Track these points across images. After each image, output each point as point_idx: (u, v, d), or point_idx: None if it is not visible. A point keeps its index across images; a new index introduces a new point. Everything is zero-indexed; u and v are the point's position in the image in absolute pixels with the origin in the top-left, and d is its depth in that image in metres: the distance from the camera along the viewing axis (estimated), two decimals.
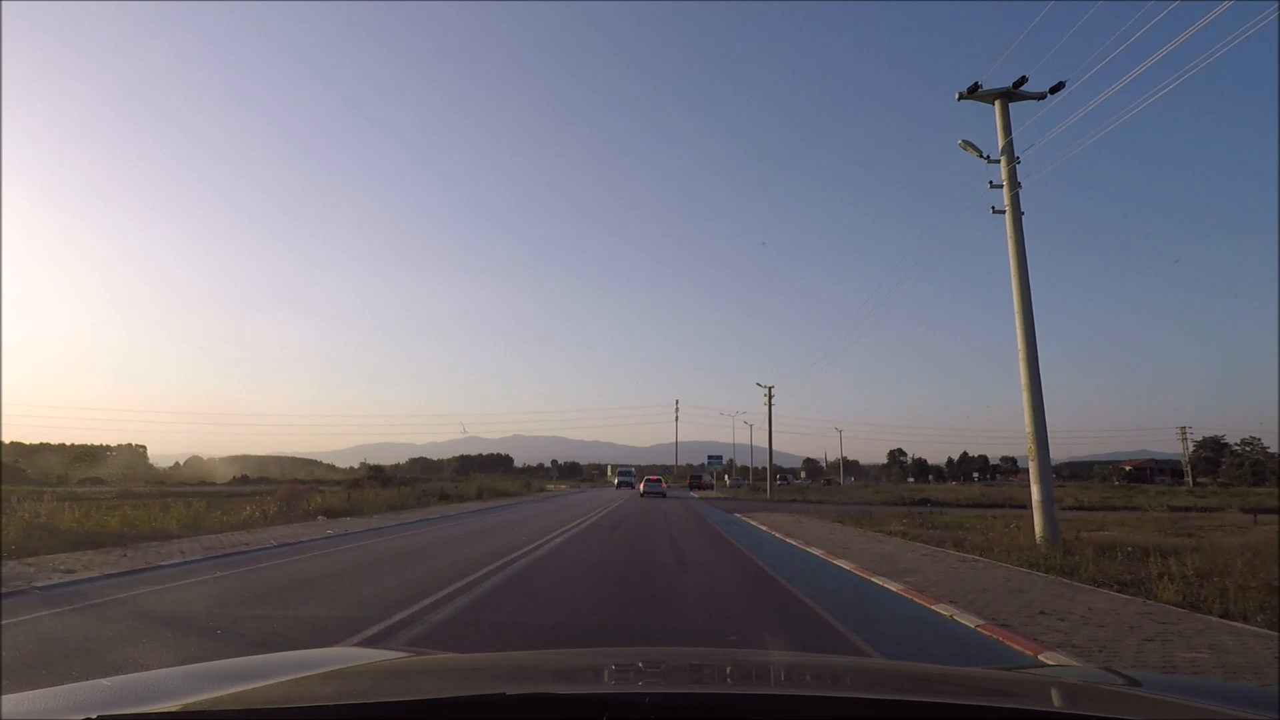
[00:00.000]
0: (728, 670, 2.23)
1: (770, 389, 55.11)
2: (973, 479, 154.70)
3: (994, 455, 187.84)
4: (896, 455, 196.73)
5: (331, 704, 1.53)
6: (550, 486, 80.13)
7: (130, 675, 1.86)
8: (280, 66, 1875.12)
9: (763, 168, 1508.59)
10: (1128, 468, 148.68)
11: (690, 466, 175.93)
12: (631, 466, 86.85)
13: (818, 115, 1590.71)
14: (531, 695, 1.49)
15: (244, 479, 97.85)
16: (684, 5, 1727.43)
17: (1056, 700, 1.77)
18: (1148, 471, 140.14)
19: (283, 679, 1.81)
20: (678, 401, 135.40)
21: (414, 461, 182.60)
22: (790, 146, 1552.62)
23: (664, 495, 59.42)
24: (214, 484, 72.25)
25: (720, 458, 64.87)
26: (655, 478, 67.54)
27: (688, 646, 6.55)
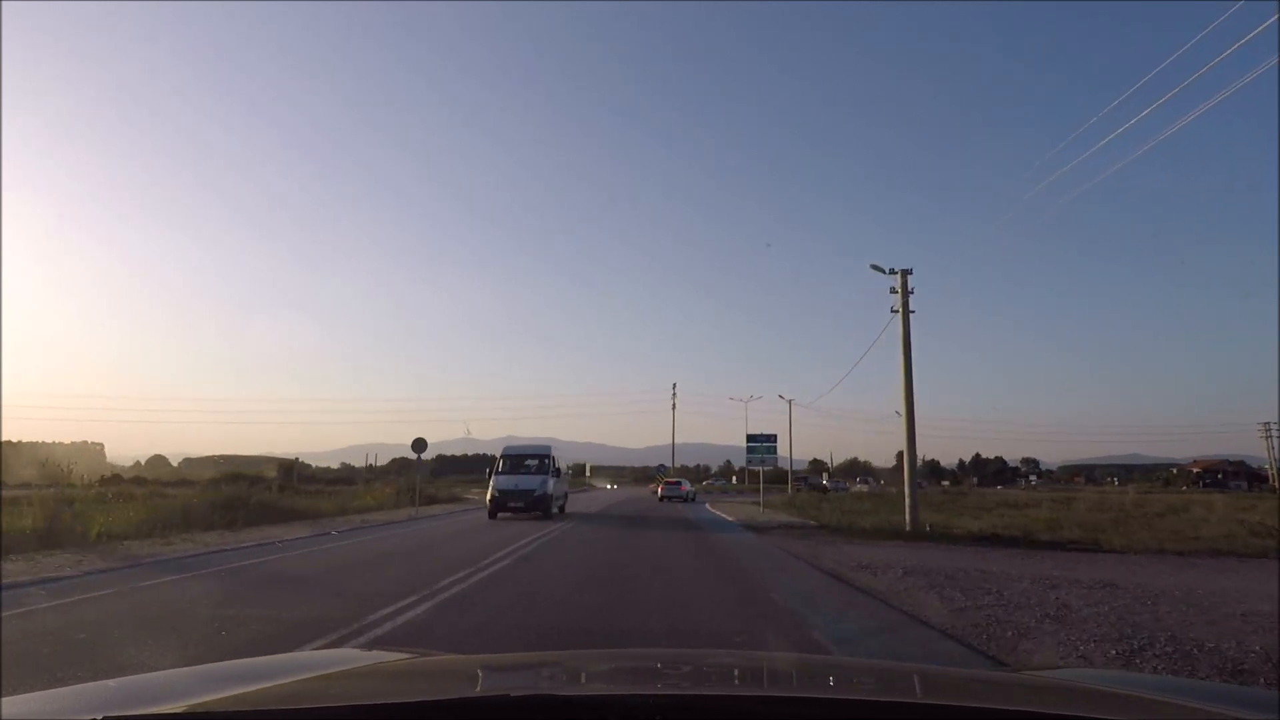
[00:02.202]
0: (731, 671, 2.19)
1: (906, 274, 25.08)
2: (1029, 481, 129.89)
3: (1001, 456, 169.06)
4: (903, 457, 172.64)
5: (336, 705, 1.51)
6: (464, 495, 47.13)
7: (135, 676, 1.81)
8: (280, 67, 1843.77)
9: (764, 167, 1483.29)
10: (1195, 469, 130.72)
11: (685, 469, 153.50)
12: (547, 447, 28.33)
13: (815, 115, 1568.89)
14: (535, 696, 1.43)
15: (113, 479, 73.72)
16: (682, 6, 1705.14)
17: (1056, 701, 1.74)
18: (1221, 474, 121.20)
19: (287, 680, 1.76)
20: (675, 385, 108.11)
21: (395, 461, 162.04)
22: (790, 146, 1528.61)
23: (690, 499, 44.57)
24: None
25: (774, 438, 31.99)
26: (675, 479, 50.99)
27: (691, 648, 6.01)
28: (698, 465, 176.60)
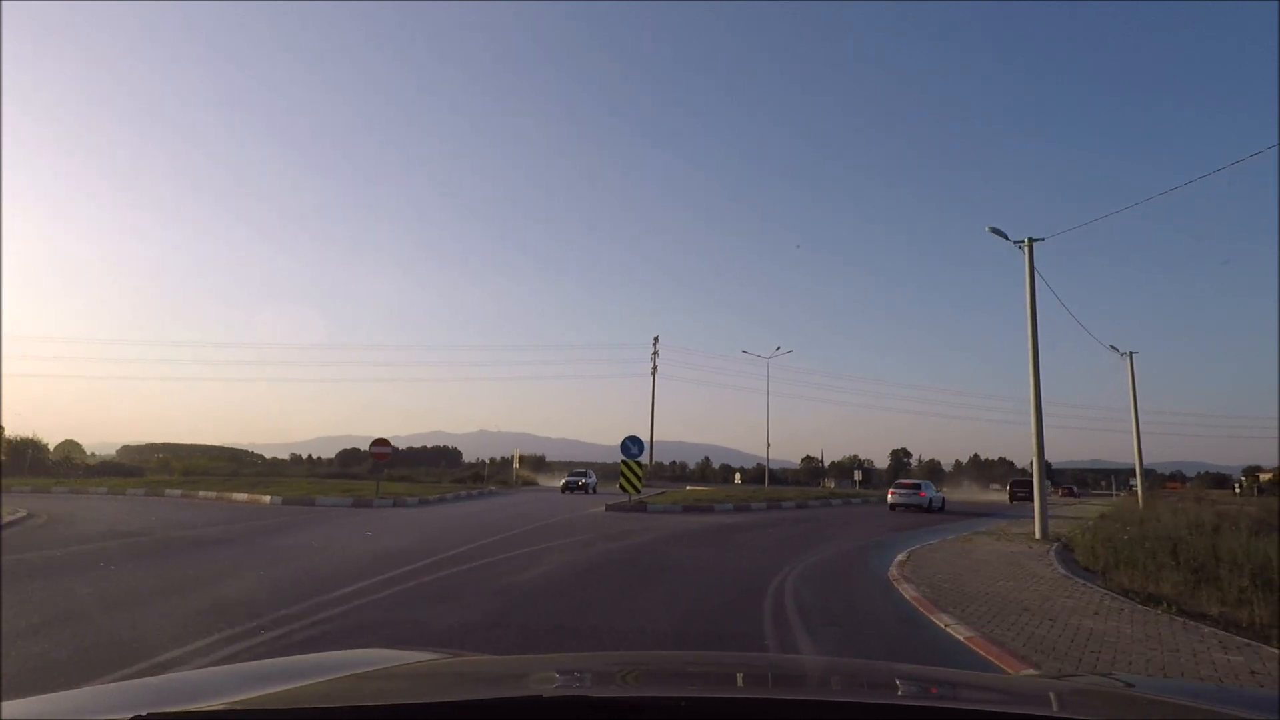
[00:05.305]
0: (760, 674, 2.16)
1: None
2: (1130, 486, 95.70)
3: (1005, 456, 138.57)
4: (900, 455, 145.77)
5: (371, 704, 1.45)
6: None
7: (173, 674, 1.82)
8: (278, 69, 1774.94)
9: (758, 171, 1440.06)
10: None
11: (661, 466, 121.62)
12: None
13: (822, 124, 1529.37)
14: (567, 697, 1.39)
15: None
16: (681, 6, 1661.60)
17: (1056, 704, 1.69)
18: None
19: (321, 679, 1.69)
20: (656, 339, 71.85)
21: (344, 453, 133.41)
22: (792, 151, 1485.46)
23: (934, 508, 29.95)
24: None
25: None
26: (911, 481, 32.87)
27: (720, 651, 5.90)
28: (673, 463, 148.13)
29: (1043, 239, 19.18)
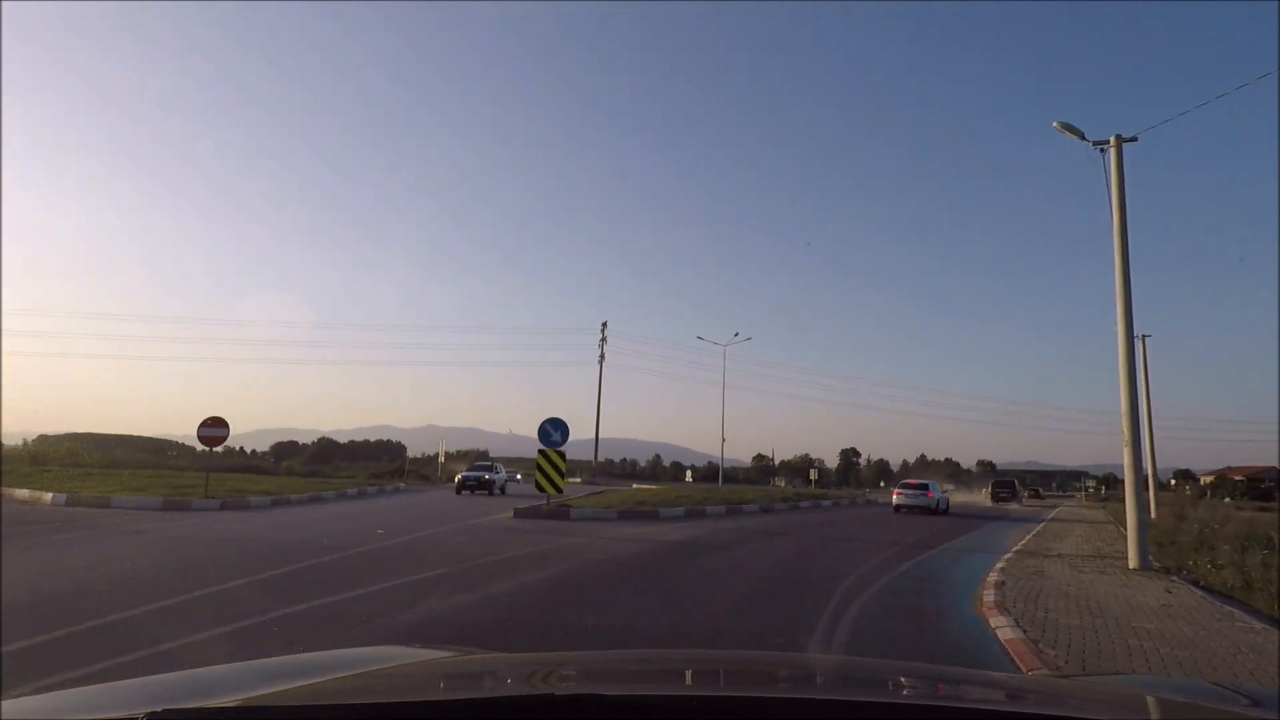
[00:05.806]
0: (774, 673, 2.06)
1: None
2: (1091, 488, 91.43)
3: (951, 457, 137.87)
4: (850, 455, 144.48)
5: (384, 701, 1.45)
6: None
7: (184, 671, 1.74)
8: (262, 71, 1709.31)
9: (734, 169, 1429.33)
10: (1238, 477, 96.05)
11: (610, 462, 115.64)
12: None
13: (793, 115, 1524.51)
14: (579, 695, 1.37)
15: None
16: (668, 5, 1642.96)
17: (1059, 702, 1.65)
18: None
19: (332, 677, 1.67)
20: (605, 325, 65.58)
21: (278, 446, 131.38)
22: (762, 142, 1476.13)
23: (940, 510, 28.31)
24: None
25: None
26: (918, 481, 30.80)
27: (732, 650, 5.67)
28: (624, 460, 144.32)
29: (1134, 138, 13.41)
